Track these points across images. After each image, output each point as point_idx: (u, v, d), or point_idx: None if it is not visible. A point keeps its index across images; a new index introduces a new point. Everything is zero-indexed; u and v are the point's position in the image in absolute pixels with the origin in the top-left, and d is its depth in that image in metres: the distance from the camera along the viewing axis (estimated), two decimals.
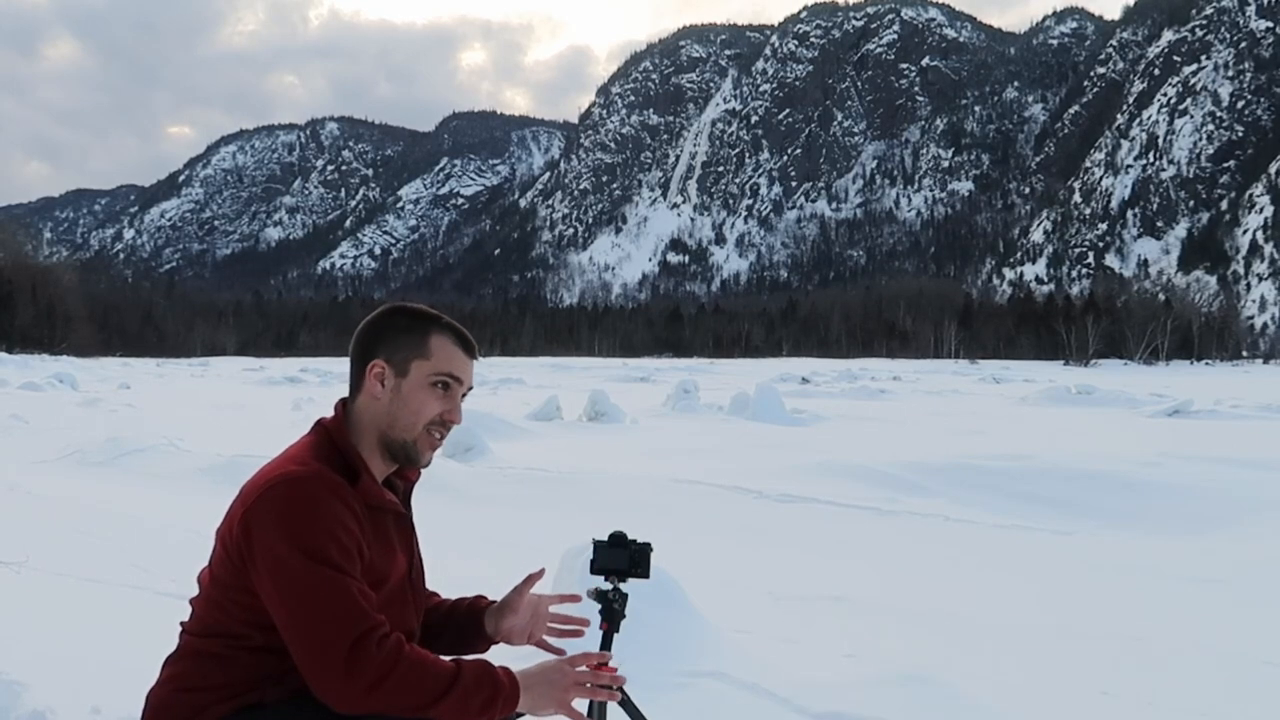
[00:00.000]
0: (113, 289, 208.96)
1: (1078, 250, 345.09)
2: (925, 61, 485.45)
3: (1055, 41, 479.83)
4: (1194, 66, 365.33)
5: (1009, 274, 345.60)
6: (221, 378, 43.68)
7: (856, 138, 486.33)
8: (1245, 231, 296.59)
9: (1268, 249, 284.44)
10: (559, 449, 12.83)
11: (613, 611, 2.07)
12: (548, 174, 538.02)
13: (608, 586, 2.09)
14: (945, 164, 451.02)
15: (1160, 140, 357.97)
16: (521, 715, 1.82)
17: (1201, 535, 7.71)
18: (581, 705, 1.85)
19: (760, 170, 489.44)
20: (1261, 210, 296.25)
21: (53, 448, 11.43)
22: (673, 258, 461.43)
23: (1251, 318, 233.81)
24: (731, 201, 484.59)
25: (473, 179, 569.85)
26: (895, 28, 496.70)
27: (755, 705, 3.49)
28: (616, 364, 78.45)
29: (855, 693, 3.56)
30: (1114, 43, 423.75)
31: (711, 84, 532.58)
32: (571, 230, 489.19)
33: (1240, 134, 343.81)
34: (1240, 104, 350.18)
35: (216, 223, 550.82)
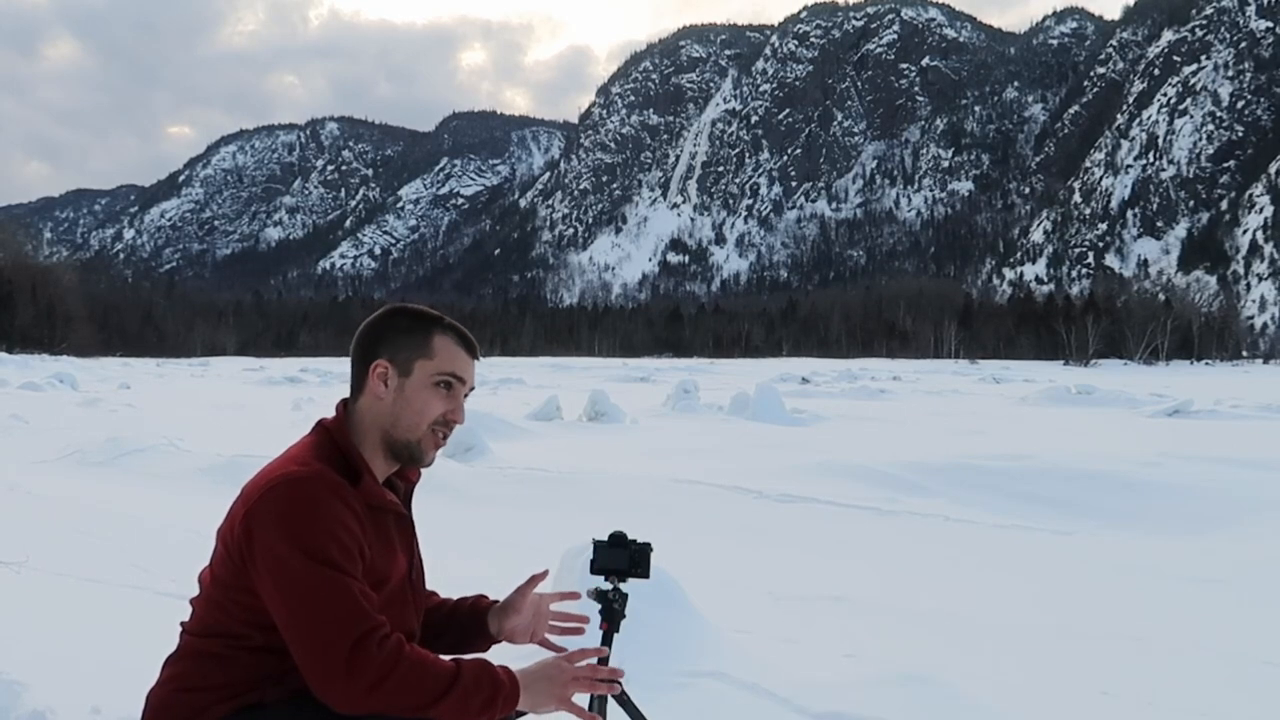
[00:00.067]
0: (113, 289, 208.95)
1: (1078, 250, 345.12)
2: (925, 61, 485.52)
3: (1055, 41, 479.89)
4: (1194, 66, 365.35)
5: (1009, 274, 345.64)
6: (221, 378, 43.67)
7: (856, 138, 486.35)
8: (1245, 231, 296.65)
9: (1268, 249, 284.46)
10: (559, 449, 12.83)
11: (613, 611, 2.07)
12: (548, 174, 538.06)
13: (608, 586, 2.09)
14: (945, 164, 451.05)
15: (1160, 140, 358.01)
16: (523, 714, 1.82)
17: (1201, 535, 7.71)
18: (581, 700, 1.85)
19: (760, 170, 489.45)
20: (1261, 210, 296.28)
21: (53, 448, 11.42)
22: (673, 258, 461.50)
23: (1251, 318, 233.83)
24: (731, 201, 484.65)
25: (473, 179, 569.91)
26: (895, 28, 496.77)
27: (755, 705, 3.49)
28: (616, 364, 78.45)
29: (855, 693, 3.56)
30: (1114, 43, 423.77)
31: (711, 84, 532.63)
32: (571, 230, 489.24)
33: (1240, 134, 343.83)
34: (1240, 104, 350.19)
35: (216, 223, 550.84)
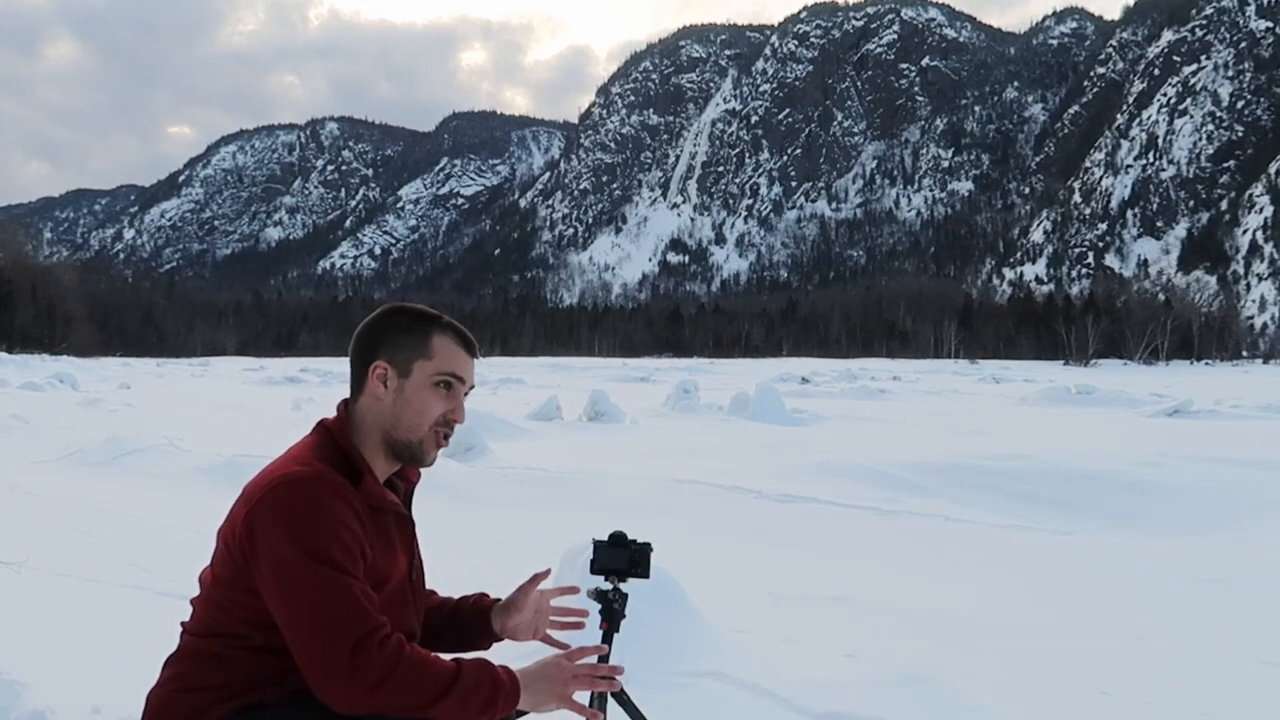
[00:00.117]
0: (113, 289, 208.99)
1: (1078, 250, 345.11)
2: (925, 61, 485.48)
3: (1055, 41, 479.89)
4: (1194, 66, 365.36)
5: (1009, 274, 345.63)
6: (221, 378, 43.67)
7: (856, 138, 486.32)
8: (1245, 231, 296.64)
9: (1267, 249, 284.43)
10: (559, 449, 12.84)
11: (613, 611, 2.07)
12: (548, 174, 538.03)
13: (608, 586, 2.10)
14: (945, 164, 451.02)
15: (1160, 140, 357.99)
16: (523, 713, 1.82)
17: (1201, 535, 7.72)
18: (581, 698, 1.86)
19: (760, 170, 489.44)
20: (1261, 210, 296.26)
21: (53, 448, 11.42)
22: (673, 258, 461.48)
23: (1251, 318, 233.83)
24: (731, 201, 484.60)
25: (473, 179, 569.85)
26: (895, 28, 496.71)
27: (755, 705, 3.49)
28: (616, 364, 78.44)
29: (855, 693, 3.56)
30: (1114, 43, 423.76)
31: (711, 84, 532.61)
32: (571, 230, 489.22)
33: (1240, 134, 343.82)
34: (1240, 104, 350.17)
35: (216, 223, 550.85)
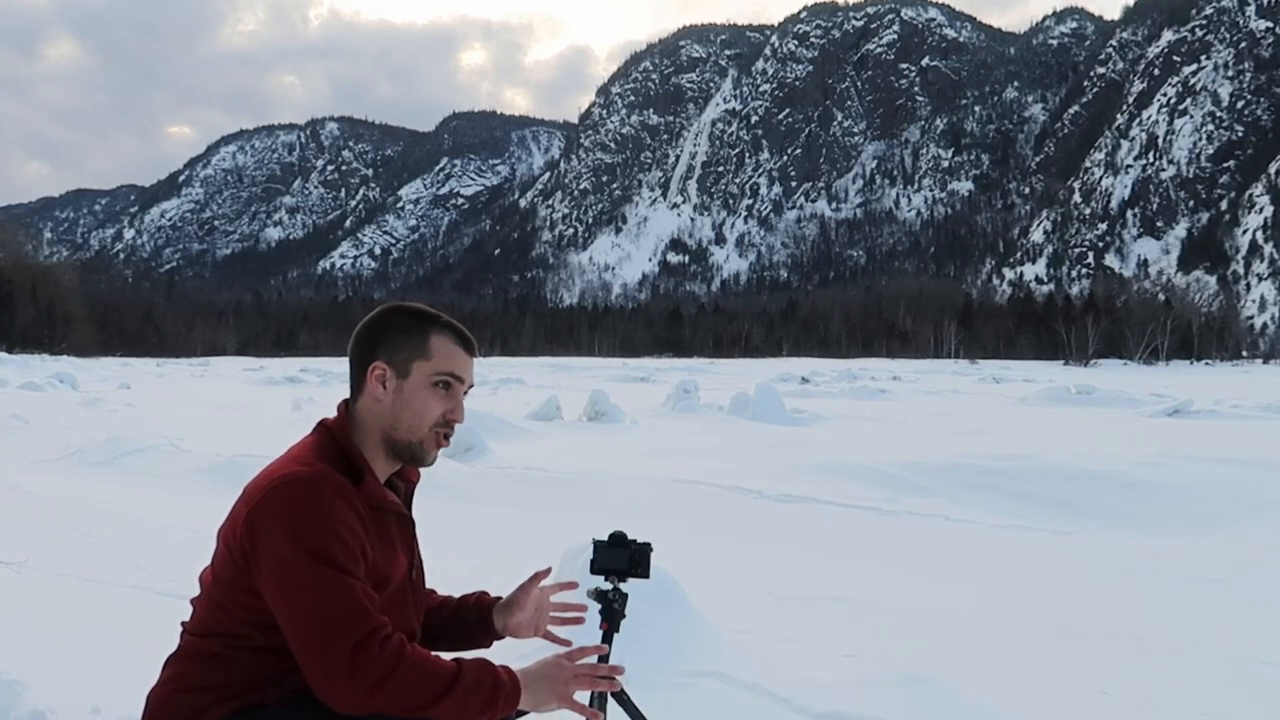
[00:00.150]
0: (113, 289, 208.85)
1: (1078, 250, 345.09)
2: (925, 61, 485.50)
3: (1055, 41, 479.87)
4: (1194, 66, 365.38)
5: (1009, 274, 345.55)
6: (221, 378, 43.67)
7: (856, 138, 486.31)
8: (1245, 231, 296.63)
9: (1267, 249, 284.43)
10: (559, 449, 12.84)
11: (613, 611, 2.07)
12: (548, 174, 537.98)
13: (608, 586, 2.10)
14: (945, 164, 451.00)
15: (1160, 140, 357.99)
16: (524, 713, 1.82)
17: (1201, 535, 7.72)
18: (582, 698, 1.86)
19: (760, 170, 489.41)
20: (1261, 210, 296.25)
21: (53, 448, 11.42)
22: (673, 258, 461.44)
23: (1251, 318, 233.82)
24: (731, 201, 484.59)
25: (473, 179, 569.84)
26: (895, 28, 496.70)
27: (755, 705, 3.49)
28: (616, 364, 78.44)
29: (855, 693, 3.56)
30: (1114, 43, 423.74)
31: (711, 84, 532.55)
32: (571, 230, 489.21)
33: (1240, 134, 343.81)
34: (1240, 104, 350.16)
35: (216, 223, 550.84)
